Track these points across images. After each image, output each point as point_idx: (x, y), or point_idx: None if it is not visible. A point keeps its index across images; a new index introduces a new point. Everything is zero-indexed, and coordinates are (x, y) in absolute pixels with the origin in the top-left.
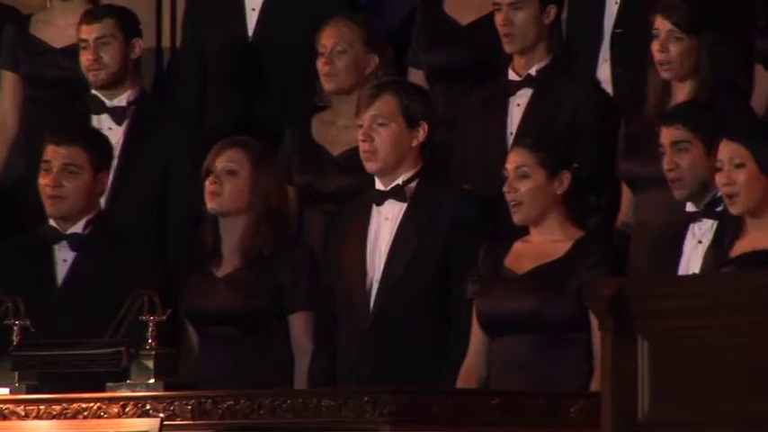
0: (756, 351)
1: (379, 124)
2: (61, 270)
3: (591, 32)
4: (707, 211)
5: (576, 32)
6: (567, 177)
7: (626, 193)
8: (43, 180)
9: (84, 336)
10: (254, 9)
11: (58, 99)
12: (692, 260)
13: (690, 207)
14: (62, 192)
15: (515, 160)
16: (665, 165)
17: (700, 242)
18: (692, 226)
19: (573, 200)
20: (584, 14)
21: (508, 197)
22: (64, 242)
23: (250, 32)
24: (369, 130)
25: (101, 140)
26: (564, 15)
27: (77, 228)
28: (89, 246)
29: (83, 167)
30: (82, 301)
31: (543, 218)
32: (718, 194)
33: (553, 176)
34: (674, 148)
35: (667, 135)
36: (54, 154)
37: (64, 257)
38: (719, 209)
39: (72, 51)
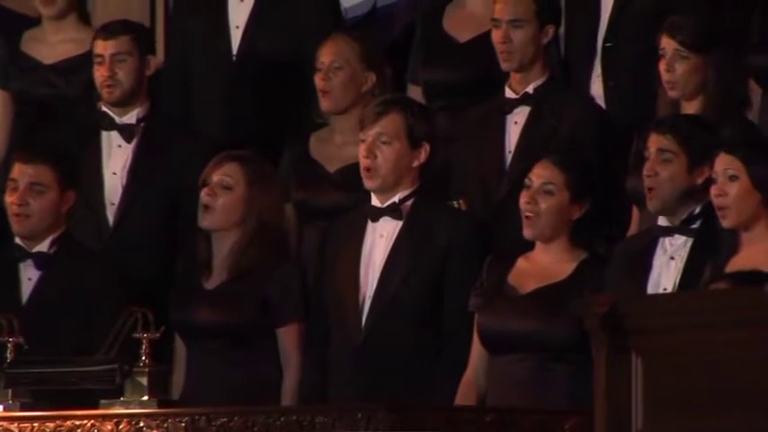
0: (751, 368)
1: (383, 142)
2: (26, 289)
3: (586, 49)
4: (681, 228)
5: (571, 50)
6: (585, 206)
7: (636, 214)
8: (9, 198)
9: (49, 354)
10: (237, 27)
11: (57, 114)
12: (663, 276)
13: (662, 221)
14: (28, 210)
15: (543, 174)
16: (645, 170)
17: (672, 258)
18: (662, 240)
19: (581, 227)
20: (580, 32)
21: (527, 208)
22: (29, 261)
23: (234, 50)
24: (372, 147)
25: (68, 158)
26: (561, 32)
27: (43, 246)
28: (54, 265)
29: (49, 186)
30: (46, 319)
31: (553, 238)
32: (696, 211)
33: (575, 201)
34: (659, 157)
35: (655, 142)
36: (20, 172)
37: (29, 276)
38: (695, 226)
39: (62, 67)
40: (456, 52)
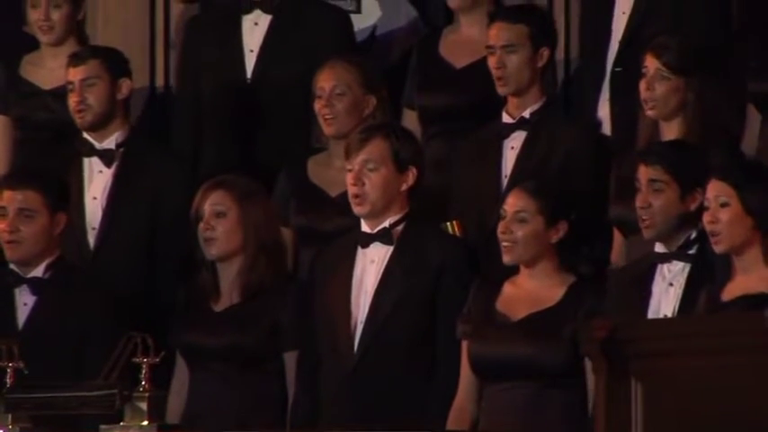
0: (750, 393)
1: (370, 169)
2: (22, 314)
3: (593, 71)
4: (678, 254)
5: (578, 72)
6: (563, 227)
7: (617, 237)
8: (0, 225)
9: (46, 379)
10: (252, 51)
11: (46, 141)
12: (662, 302)
13: (660, 248)
14: (19, 236)
15: (515, 203)
16: (638, 202)
17: (671, 285)
18: (660, 267)
19: (566, 248)
20: (587, 54)
21: (502, 238)
22: (24, 286)
23: (248, 74)
24: (359, 174)
25: (55, 181)
26: (561, 57)
27: (38, 272)
28: (49, 289)
29: (38, 210)
30: (43, 344)
31: (535, 262)
32: (692, 236)
33: (550, 225)
34: (650, 187)
35: (644, 173)
36: (9, 199)
37: (25, 301)
38: (692, 251)
39: (60, 93)
40: (452, 78)
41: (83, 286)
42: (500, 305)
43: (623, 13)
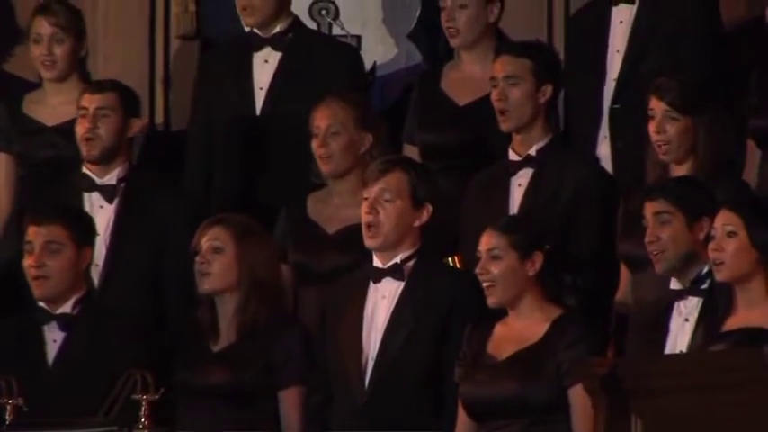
0: (750, 429)
1: (386, 199)
2: (51, 350)
3: (590, 110)
4: (692, 289)
5: (574, 111)
6: (539, 259)
7: (624, 273)
8: (27, 261)
9: (75, 416)
10: (261, 88)
11: (48, 177)
12: (678, 338)
13: (675, 284)
14: (46, 271)
15: (488, 242)
16: (647, 238)
17: (686, 320)
18: (677, 304)
19: (548, 280)
20: (582, 93)
21: (481, 278)
22: (53, 322)
23: (258, 111)
24: (375, 203)
25: (80, 215)
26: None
27: (66, 308)
28: (78, 326)
29: (64, 244)
30: (72, 381)
31: (518, 300)
32: (704, 271)
33: (525, 258)
34: (656, 221)
35: (650, 208)
36: (35, 234)
37: (54, 338)
38: (704, 286)
39: (64, 129)
40: (455, 115)
41: (113, 322)
42: (490, 347)
43: (617, 51)
